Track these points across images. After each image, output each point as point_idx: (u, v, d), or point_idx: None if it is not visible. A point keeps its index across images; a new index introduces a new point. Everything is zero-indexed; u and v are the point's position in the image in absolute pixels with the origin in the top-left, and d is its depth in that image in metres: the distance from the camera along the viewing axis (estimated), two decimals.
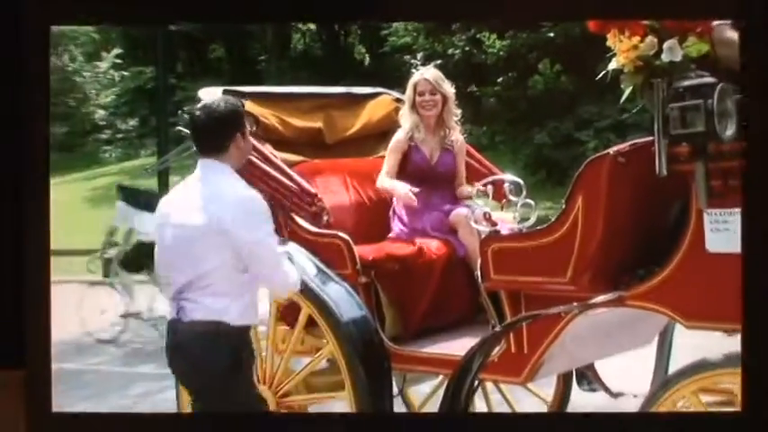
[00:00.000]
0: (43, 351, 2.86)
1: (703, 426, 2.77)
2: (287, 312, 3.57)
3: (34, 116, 2.91)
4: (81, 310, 7.29)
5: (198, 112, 2.97)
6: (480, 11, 3.23)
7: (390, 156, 3.90)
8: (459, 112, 3.99)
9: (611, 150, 2.84)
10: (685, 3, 2.69)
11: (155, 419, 3.17)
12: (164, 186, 15.29)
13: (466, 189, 3.88)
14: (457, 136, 3.99)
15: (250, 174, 3.54)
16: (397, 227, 3.83)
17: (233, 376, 2.90)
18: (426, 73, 3.95)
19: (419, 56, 14.91)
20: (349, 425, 3.21)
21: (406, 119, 3.92)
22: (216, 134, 2.92)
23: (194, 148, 3.67)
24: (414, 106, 3.89)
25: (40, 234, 2.89)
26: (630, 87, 2.70)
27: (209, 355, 2.85)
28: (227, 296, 2.86)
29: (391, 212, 3.89)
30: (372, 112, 4.27)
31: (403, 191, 3.73)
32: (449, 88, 3.94)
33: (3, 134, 2.89)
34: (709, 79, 2.61)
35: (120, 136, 19.97)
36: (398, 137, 3.90)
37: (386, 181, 3.86)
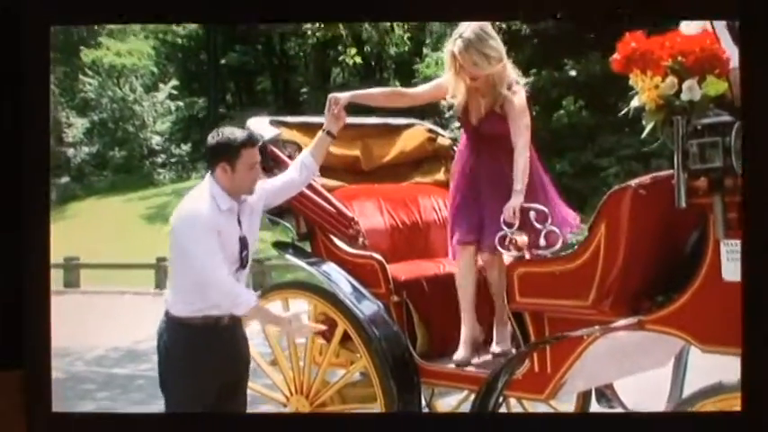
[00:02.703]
0: (43, 351, 2.75)
1: (703, 426, 2.69)
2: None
3: (34, 116, 2.76)
4: (136, 319, 7.38)
5: None
6: (485, 9, 3.08)
7: (429, 86, 3.56)
8: (515, 75, 3.36)
9: (633, 183, 2.81)
10: (685, 3, 2.65)
11: (155, 419, 3.10)
12: None
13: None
14: (514, 98, 3.29)
15: (294, 198, 3.56)
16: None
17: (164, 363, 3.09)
18: (459, 44, 3.22)
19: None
20: (352, 424, 3.14)
21: (454, 85, 3.36)
22: (207, 156, 3.19)
23: None
24: (461, 74, 3.30)
25: (41, 235, 2.76)
26: (652, 124, 2.67)
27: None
28: (172, 288, 3.12)
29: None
30: (406, 141, 4.26)
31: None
32: (491, 65, 3.21)
33: (3, 133, 2.76)
34: (727, 118, 2.58)
35: (173, 160, 20.23)
36: (441, 83, 3.44)
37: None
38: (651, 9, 2.65)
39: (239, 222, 3.13)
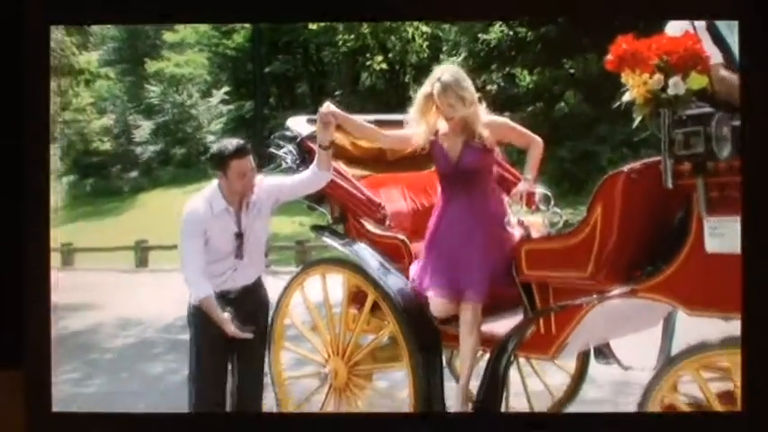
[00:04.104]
0: (43, 351, 2.48)
1: (703, 426, 2.52)
2: (356, 298, 3.56)
3: (34, 115, 2.47)
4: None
5: None
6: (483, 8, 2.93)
7: (400, 134, 3.34)
8: (484, 112, 3.17)
9: (626, 168, 2.77)
10: (686, 3, 2.55)
11: (155, 419, 2.88)
12: None
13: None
14: (486, 132, 3.17)
15: (329, 187, 3.55)
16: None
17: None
18: (438, 87, 3.06)
19: None
20: (350, 424, 2.93)
21: (415, 125, 3.20)
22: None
23: (283, 165, 3.73)
24: (427, 114, 3.16)
25: (40, 234, 2.50)
26: (641, 116, 2.62)
27: None
28: None
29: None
30: None
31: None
32: (468, 107, 3.08)
33: (3, 132, 2.48)
34: (708, 109, 2.53)
35: None
36: (408, 137, 3.27)
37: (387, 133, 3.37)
38: (653, 9, 2.54)
39: (238, 220, 3.16)
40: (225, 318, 3.13)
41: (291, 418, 3.18)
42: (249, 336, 3.16)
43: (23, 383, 2.44)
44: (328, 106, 3.31)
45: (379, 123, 4.23)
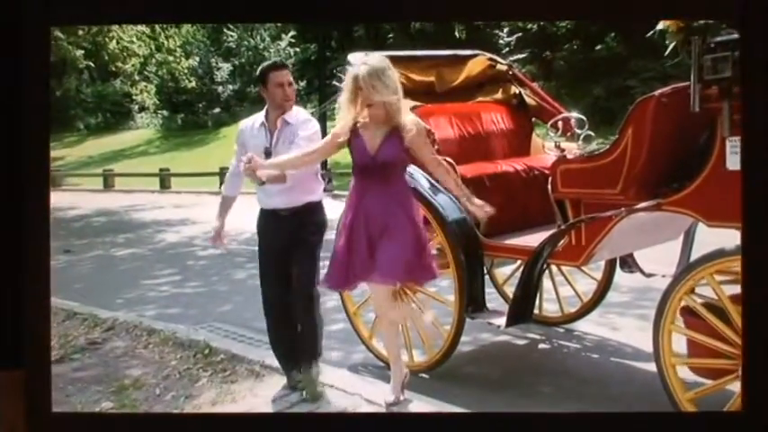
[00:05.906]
0: (43, 351, 2.18)
1: (703, 426, 2.30)
2: None
3: (34, 115, 2.15)
4: None
5: None
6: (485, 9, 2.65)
7: (326, 139, 2.98)
8: (413, 105, 2.94)
9: (657, 93, 2.65)
10: (686, 2, 2.33)
11: (155, 419, 2.60)
12: (322, 128, 15.55)
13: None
14: (411, 126, 2.83)
15: None
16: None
17: None
18: (363, 69, 2.74)
19: (505, 30, 14.26)
20: (345, 424, 2.58)
21: (344, 112, 2.84)
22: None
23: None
24: (355, 100, 2.80)
25: (41, 234, 2.17)
26: (673, 43, 2.49)
27: None
28: None
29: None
30: (471, 68, 4.11)
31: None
32: (390, 93, 2.75)
33: (3, 132, 2.17)
34: (736, 35, 2.36)
35: None
36: (334, 131, 2.93)
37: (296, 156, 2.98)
38: (652, 9, 2.31)
39: (270, 137, 3.15)
40: (216, 223, 3.34)
41: (293, 419, 2.83)
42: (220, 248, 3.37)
43: (23, 383, 2.16)
44: (249, 158, 2.93)
45: (428, 58, 4.13)
